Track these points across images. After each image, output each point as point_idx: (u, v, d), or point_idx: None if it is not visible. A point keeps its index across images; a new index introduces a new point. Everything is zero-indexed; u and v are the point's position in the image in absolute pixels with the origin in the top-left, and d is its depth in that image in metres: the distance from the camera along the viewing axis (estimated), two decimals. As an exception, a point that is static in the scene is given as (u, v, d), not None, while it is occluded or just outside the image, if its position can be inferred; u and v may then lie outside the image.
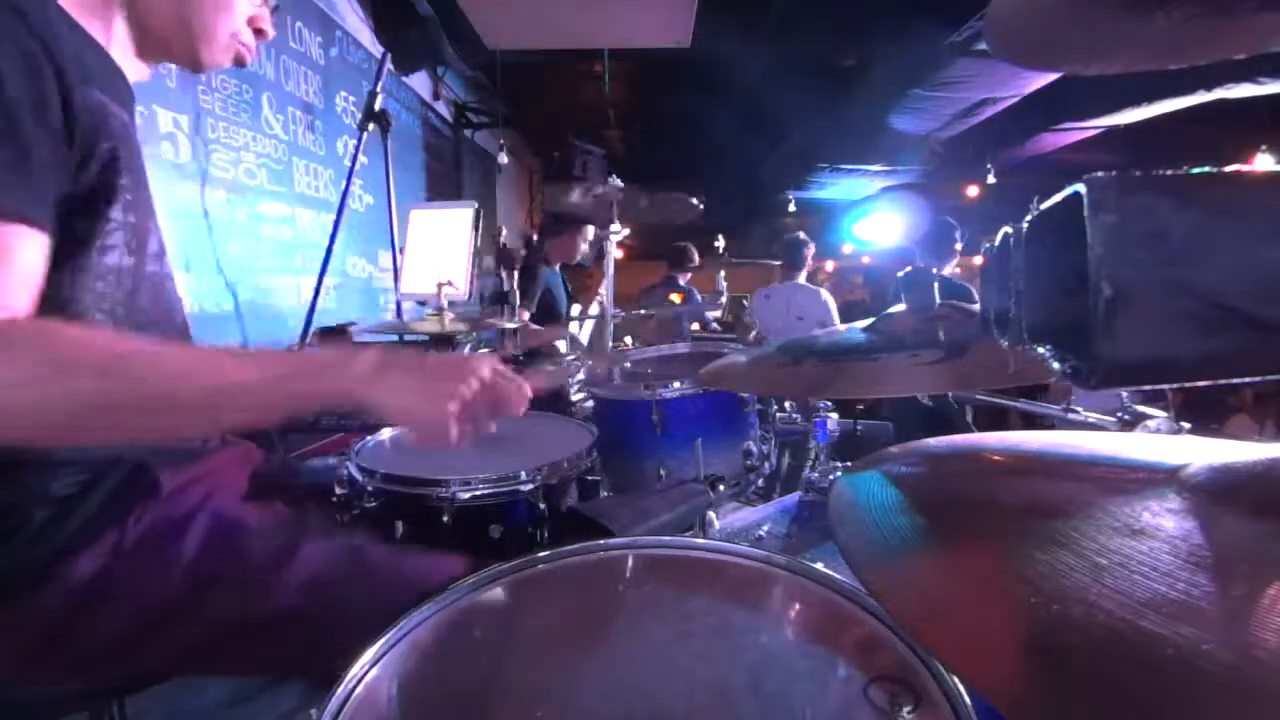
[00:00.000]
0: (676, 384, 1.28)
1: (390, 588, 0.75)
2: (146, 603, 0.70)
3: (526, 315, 2.03)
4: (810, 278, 3.87)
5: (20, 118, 0.57)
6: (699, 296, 4.18)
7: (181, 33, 0.79)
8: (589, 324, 3.12)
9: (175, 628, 0.71)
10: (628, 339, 3.00)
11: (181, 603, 0.71)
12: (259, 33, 0.85)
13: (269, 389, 0.60)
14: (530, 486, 0.93)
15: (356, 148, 2.13)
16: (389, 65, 2.17)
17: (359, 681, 0.51)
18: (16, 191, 0.57)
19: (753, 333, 3.70)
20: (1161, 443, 0.46)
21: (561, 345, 2.48)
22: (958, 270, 3.81)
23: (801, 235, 3.83)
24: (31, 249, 0.59)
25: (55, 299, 0.62)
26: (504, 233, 2.57)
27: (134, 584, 0.70)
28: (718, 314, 4.12)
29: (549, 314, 2.94)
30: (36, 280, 0.59)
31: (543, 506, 0.94)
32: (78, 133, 0.63)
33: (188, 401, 0.58)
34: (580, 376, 1.40)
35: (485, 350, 2.26)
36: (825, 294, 3.52)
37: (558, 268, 3.27)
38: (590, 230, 3.26)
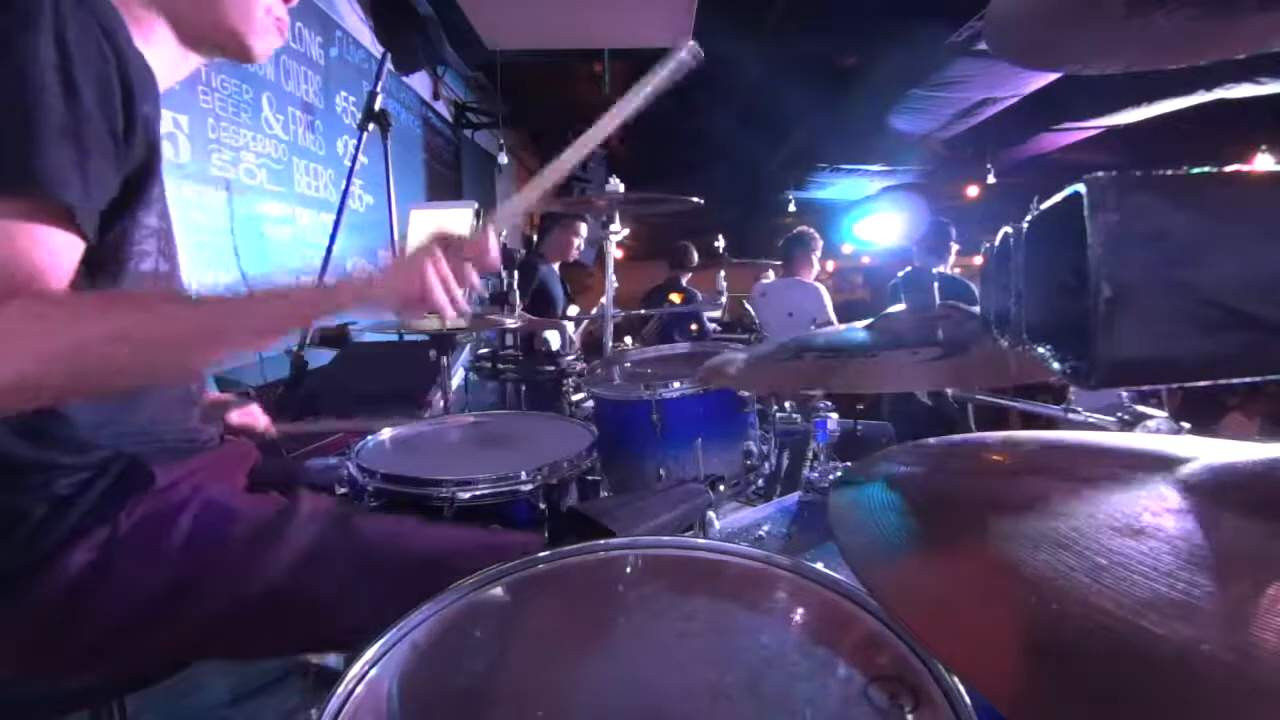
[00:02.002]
0: (676, 384, 1.28)
1: (386, 562, 0.76)
2: (143, 593, 0.71)
3: (519, 308, 2.08)
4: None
5: (89, 130, 0.60)
6: (700, 297, 4.18)
7: (224, 29, 0.80)
8: (584, 324, 3.13)
9: (173, 616, 0.72)
10: (627, 339, 3.00)
11: (178, 591, 0.72)
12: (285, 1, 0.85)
13: (264, 325, 0.65)
14: (530, 486, 0.93)
15: (356, 148, 2.13)
16: (389, 65, 2.17)
17: (359, 681, 0.51)
18: (73, 192, 0.59)
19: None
20: (1161, 443, 0.46)
21: (554, 340, 2.49)
22: (957, 270, 3.81)
23: (806, 231, 3.78)
24: (68, 254, 0.62)
25: None
26: (504, 232, 2.56)
27: (130, 575, 0.71)
28: (718, 314, 4.11)
29: (543, 311, 2.97)
30: (65, 281, 0.61)
31: (543, 506, 0.94)
32: (134, 148, 0.66)
33: (192, 337, 0.63)
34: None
35: (486, 350, 2.26)
36: (821, 289, 3.49)
37: (556, 266, 3.29)
38: (583, 226, 3.27)
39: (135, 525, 0.72)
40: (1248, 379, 0.32)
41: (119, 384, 0.67)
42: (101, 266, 0.66)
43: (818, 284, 3.55)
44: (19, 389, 0.56)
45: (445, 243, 0.72)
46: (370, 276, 0.70)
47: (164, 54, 0.77)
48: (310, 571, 0.75)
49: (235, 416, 1.05)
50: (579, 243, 3.32)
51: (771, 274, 3.96)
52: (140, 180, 0.69)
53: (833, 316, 3.30)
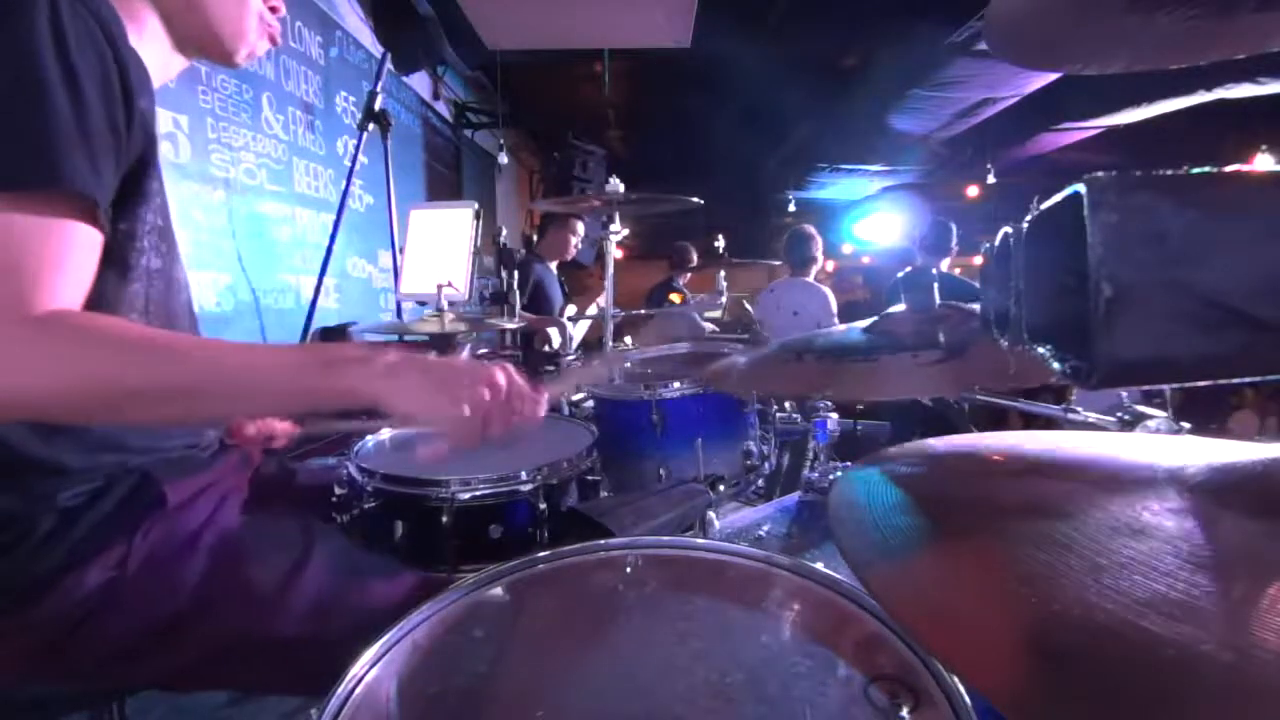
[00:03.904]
0: (676, 384, 1.28)
1: (393, 606, 0.75)
2: (150, 617, 0.70)
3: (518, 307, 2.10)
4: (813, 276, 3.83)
5: (96, 130, 0.60)
6: (691, 299, 4.18)
7: (213, 35, 0.79)
8: (583, 324, 3.13)
9: (177, 643, 0.71)
10: (628, 339, 3.00)
11: (184, 619, 0.71)
12: (273, 9, 0.84)
13: (280, 381, 0.62)
14: (530, 486, 0.93)
15: (356, 148, 2.13)
16: (389, 65, 2.17)
17: (359, 681, 0.51)
18: (91, 192, 0.59)
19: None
20: (1161, 443, 0.46)
21: (554, 335, 2.50)
22: (957, 270, 3.80)
23: (807, 229, 3.77)
24: (92, 251, 0.61)
25: (97, 298, 0.64)
26: (504, 233, 2.57)
27: (138, 598, 0.70)
28: (717, 314, 4.11)
29: (541, 310, 2.98)
30: (89, 281, 0.61)
31: (543, 506, 0.94)
32: (132, 143, 0.66)
33: (216, 391, 0.60)
34: (614, 379, 1.34)
35: (485, 350, 2.26)
36: (826, 291, 3.48)
37: (553, 265, 3.29)
38: (579, 225, 3.29)
39: (149, 551, 0.71)
40: (1248, 379, 0.32)
41: (130, 420, 0.68)
42: (105, 263, 0.65)
43: (824, 287, 3.55)
44: (29, 406, 0.55)
45: (497, 391, 0.65)
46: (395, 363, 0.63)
47: (155, 51, 0.76)
48: (320, 615, 0.74)
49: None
50: (576, 241, 3.33)
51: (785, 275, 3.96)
52: (139, 176, 0.69)
53: (837, 322, 3.29)
